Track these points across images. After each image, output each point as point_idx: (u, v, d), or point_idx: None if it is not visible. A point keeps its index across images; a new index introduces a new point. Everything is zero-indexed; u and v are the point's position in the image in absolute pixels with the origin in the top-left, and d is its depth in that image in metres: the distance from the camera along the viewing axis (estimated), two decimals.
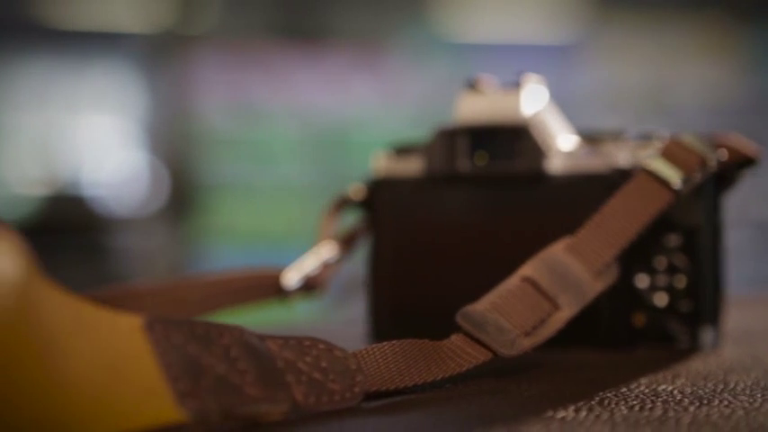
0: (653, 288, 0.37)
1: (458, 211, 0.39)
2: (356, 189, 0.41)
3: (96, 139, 2.18)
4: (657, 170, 0.35)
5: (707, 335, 0.37)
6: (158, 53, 2.23)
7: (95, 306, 0.23)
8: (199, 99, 2.27)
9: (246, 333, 0.25)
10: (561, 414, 0.27)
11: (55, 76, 2.14)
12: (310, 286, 0.41)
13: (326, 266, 0.41)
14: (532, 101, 0.39)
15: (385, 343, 0.29)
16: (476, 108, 0.38)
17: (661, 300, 0.37)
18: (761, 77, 2.19)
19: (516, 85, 0.38)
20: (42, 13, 2.14)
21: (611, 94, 2.30)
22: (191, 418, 0.23)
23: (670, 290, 0.37)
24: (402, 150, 0.41)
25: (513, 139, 0.38)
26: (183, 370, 0.23)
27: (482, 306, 0.31)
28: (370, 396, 0.28)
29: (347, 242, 0.42)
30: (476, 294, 0.37)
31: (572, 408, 0.28)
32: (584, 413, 0.27)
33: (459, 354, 0.30)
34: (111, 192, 2.11)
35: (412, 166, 0.40)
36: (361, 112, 2.32)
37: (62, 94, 2.15)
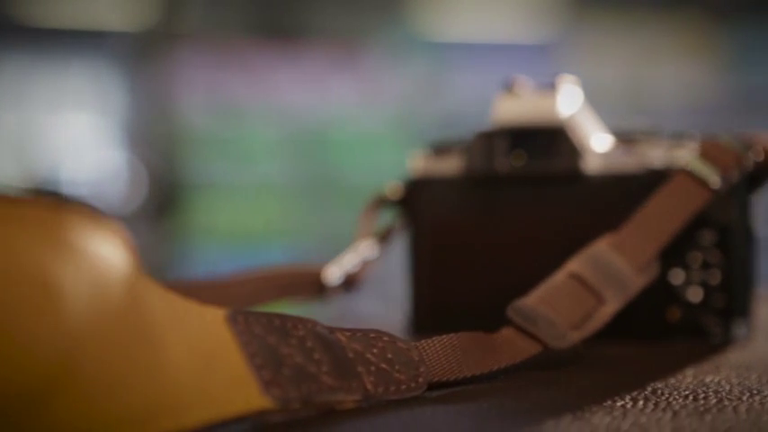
0: (687, 283, 0.38)
1: (496, 210, 0.39)
2: (393, 188, 0.42)
3: (76, 137, 2.17)
4: (696, 170, 0.36)
5: (740, 329, 0.38)
6: (138, 52, 2.22)
7: (184, 298, 0.23)
8: (179, 98, 2.27)
9: (318, 325, 0.26)
10: (620, 402, 0.28)
11: (34, 74, 2.13)
12: (350, 283, 0.42)
13: (365, 263, 0.42)
14: (568, 102, 0.39)
15: (444, 336, 0.30)
16: (513, 109, 0.39)
17: (696, 295, 0.38)
18: (738, 76, 2.22)
19: (552, 87, 0.39)
20: (21, 11, 2.13)
21: (589, 92, 2.31)
22: (275, 405, 0.24)
23: (704, 285, 0.38)
24: (439, 150, 0.41)
25: (551, 140, 0.38)
26: (265, 360, 0.24)
27: (532, 301, 0.32)
28: (431, 386, 0.29)
29: (384, 239, 0.43)
30: (513, 290, 0.38)
31: (628, 397, 0.29)
32: (641, 402, 0.28)
33: (511, 346, 0.31)
34: (90, 191, 2.10)
35: (449, 166, 0.40)
36: (340, 111, 2.32)
37: (42, 93, 2.14)
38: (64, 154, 2.16)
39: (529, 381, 0.31)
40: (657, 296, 0.38)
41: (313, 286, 0.42)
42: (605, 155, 0.39)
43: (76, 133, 2.17)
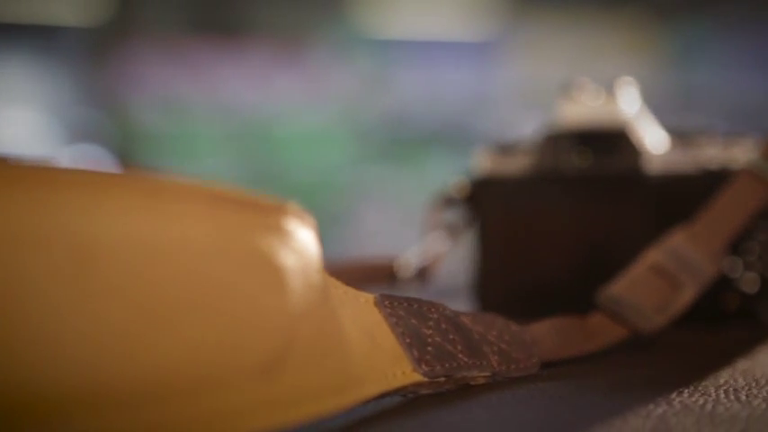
0: (744, 273, 0.41)
1: (562, 208, 0.41)
2: (460, 186, 0.44)
3: (19, 134, 2.14)
4: (760, 169, 0.38)
5: None
6: (85, 48, 2.20)
7: (341, 283, 0.25)
8: (123, 95, 2.25)
9: (446, 309, 0.28)
10: (720, 381, 0.30)
11: None
12: (423, 274, 0.43)
13: (435, 257, 0.44)
14: (629, 103, 0.41)
15: (546, 320, 0.32)
16: (578, 112, 0.41)
17: (752, 284, 0.41)
18: (680, 74, 2.27)
19: (613, 89, 0.41)
20: None
21: (531, 90, 2.35)
22: (425, 379, 0.26)
23: (761, 275, 0.41)
24: (504, 150, 0.43)
25: (614, 141, 0.40)
26: (412, 339, 0.26)
27: (619, 288, 0.34)
28: (541, 365, 0.31)
29: (452, 235, 0.44)
30: (577, 282, 0.40)
31: (722, 378, 0.30)
32: (740, 381, 0.30)
33: (603, 330, 0.33)
34: None
35: (515, 165, 0.42)
36: (285, 108, 2.33)
37: None
38: (8, 151, 2.13)
39: (621, 361, 0.33)
40: (716, 285, 0.40)
41: (386, 278, 0.43)
42: (664, 155, 0.41)
43: (20, 130, 2.14)
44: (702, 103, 2.22)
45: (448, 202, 0.43)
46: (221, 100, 2.31)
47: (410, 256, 0.44)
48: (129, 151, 2.25)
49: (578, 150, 0.41)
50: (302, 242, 0.22)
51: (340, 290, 0.25)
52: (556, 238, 0.41)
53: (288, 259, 0.21)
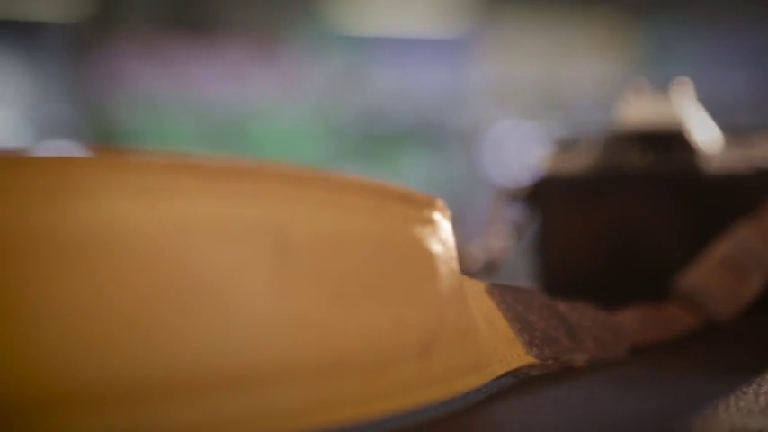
0: None
1: (623, 206, 0.43)
2: (521, 183, 0.45)
3: None
4: None
5: None
6: (60, 45, 2.19)
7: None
8: (99, 91, 2.25)
9: (544, 296, 0.30)
10: None
11: None
12: (490, 266, 0.45)
13: (499, 251, 0.45)
14: (688, 104, 0.43)
15: (628, 309, 0.34)
16: (640, 112, 0.43)
17: None
18: (651, 72, 2.30)
19: (672, 90, 0.43)
20: None
21: (504, 88, 2.37)
22: (537, 362, 0.27)
23: None
24: (565, 148, 0.44)
25: (672, 141, 0.42)
26: (521, 325, 0.28)
27: (692, 278, 0.36)
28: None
29: (514, 230, 0.46)
30: (638, 277, 0.41)
31: None
32: None
33: (678, 318, 0.35)
34: None
35: (576, 164, 0.43)
36: (259, 105, 2.33)
37: None
38: None
39: (699, 345, 0.35)
40: None
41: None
42: (720, 154, 0.43)
43: None
44: None
45: (510, 196, 0.45)
46: (196, 97, 2.31)
47: (474, 249, 0.45)
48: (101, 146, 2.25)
49: (638, 150, 0.42)
50: (446, 233, 0.24)
51: (463, 277, 0.26)
52: (616, 236, 0.43)
53: (437, 248, 0.23)
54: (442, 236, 0.23)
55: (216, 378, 0.19)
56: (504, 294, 0.28)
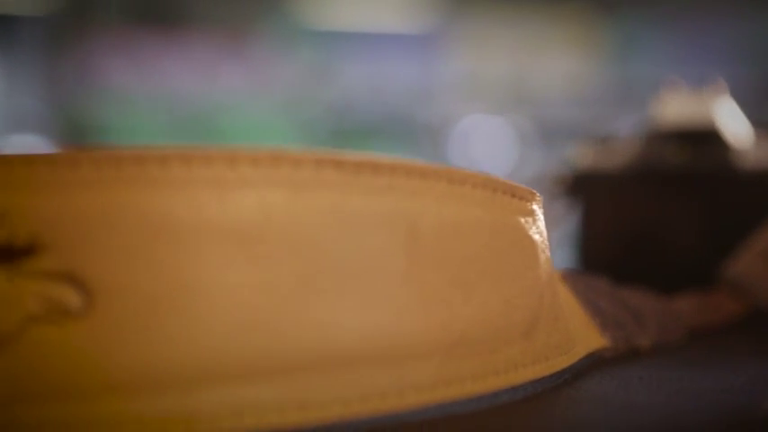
0: None
1: (661, 202, 0.44)
2: (561, 179, 0.47)
3: None
4: None
5: None
6: (29, 38, 2.18)
7: None
8: (67, 85, 2.24)
9: (610, 283, 0.32)
10: None
11: None
12: None
13: None
14: (723, 102, 0.45)
15: (680, 296, 0.36)
16: (677, 110, 0.44)
17: None
18: (620, 68, 2.33)
19: (708, 88, 0.45)
20: None
21: (473, 83, 2.40)
22: (610, 345, 0.29)
23: None
24: (605, 144, 0.46)
25: (709, 138, 0.44)
26: (593, 310, 0.29)
27: (738, 267, 0.38)
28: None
29: (553, 223, 0.48)
30: (677, 272, 0.43)
31: None
32: None
33: (726, 306, 0.37)
34: None
35: (614, 160, 0.45)
36: (229, 99, 2.34)
37: None
38: None
39: (747, 329, 0.37)
40: None
41: None
42: (755, 151, 0.45)
43: None
44: (643, 96, 2.29)
45: (549, 191, 0.46)
46: (166, 91, 2.31)
47: None
48: (73, 142, 2.24)
49: (675, 147, 0.44)
50: (542, 223, 0.26)
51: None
52: (655, 230, 0.44)
53: (537, 237, 0.25)
54: (540, 226, 0.25)
55: (360, 354, 0.21)
56: (575, 281, 0.30)
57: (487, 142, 2.37)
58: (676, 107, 0.45)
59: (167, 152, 0.20)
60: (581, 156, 0.46)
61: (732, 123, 0.45)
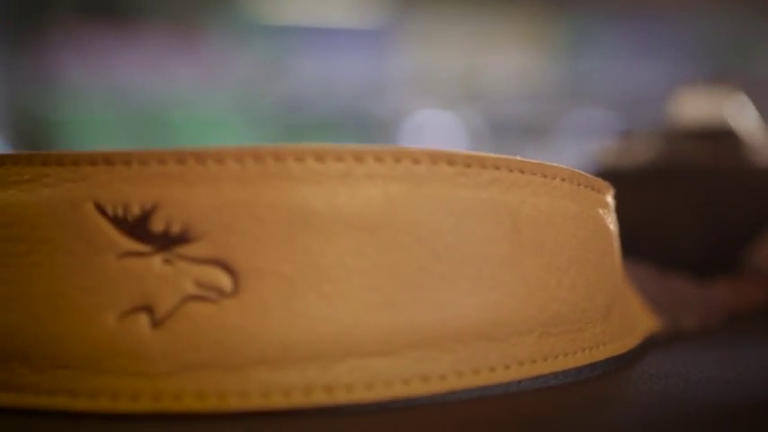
0: None
1: (680, 198, 0.46)
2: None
3: None
4: None
5: None
6: None
7: None
8: (19, 80, 2.23)
9: (655, 270, 0.34)
10: None
11: None
12: None
13: None
14: (739, 102, 0.48)
15: (710, 285, 0.38)
16: (694, 109, 0.47)
17: None
18: (571, 64, 2.38)
19: (723, 88, 0.47)
20: None
21: (425, 78, 2.42)
22: (661, 329, 0.32)
23: None
24: (625, 142, 0.48)
25: (727, 137, 0.47)
26: (645, 294, 0.32)
27: (762, 257, 0.41)
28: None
29: None
30: (695, 266, 0.46)
31: None
32: None
33: (752, 293, 0.40)
34: None
35: (635, 157, 0.47)
36: (181, 93, 2.34)
37: None
38: None
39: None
40: None
41: None
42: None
43: None
44: (594, 93, 2.33)
45: None
46: (117, 86, 2.31)
47: None
48: (23, 137, 2.23)
49: (694, 145, 0.47)
50: (615, 214, 0.28)
51: None
52: (675, 227, 0.47)
53: (612, 227, 0.27)
54: (614, 217, 0.28)
55: (472, 331, 0.23)
56: (627, 267, 0.32)
57: (439, 137, 2.40)
58: (694, 106, 0.47)
59: (303, 148, 0.22)
60: (603, 152, 0.48)
61: (749, 122, 0.48)
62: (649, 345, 0.30)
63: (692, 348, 0.30)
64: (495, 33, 2.40)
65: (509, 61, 2.38)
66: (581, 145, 2.23)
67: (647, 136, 0.48)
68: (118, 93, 2.31)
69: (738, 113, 0.48)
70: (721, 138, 0.47)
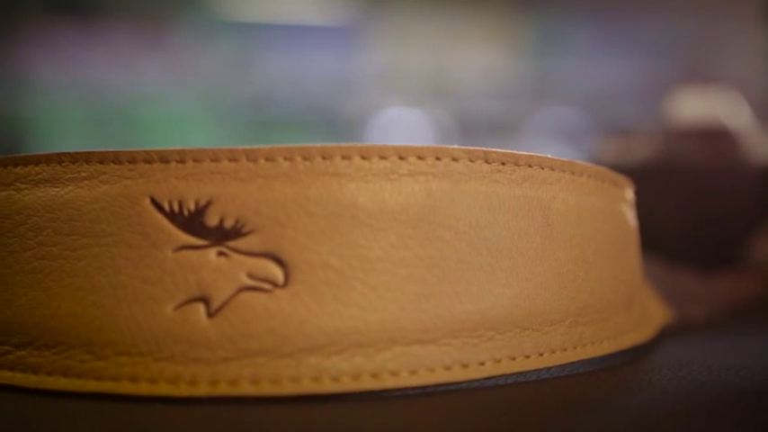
0: None
1: (678, 195, 0.48)
2: None
3: None
4: None
5: None
6: None
7: None
8: None
9: (665, 264, 0.36)
10: None
11: None
12: None
13: None
14: (735, 103, 0.49)
15: (718, 277, 0.40)
16: (691, 109, 0.48)
17: None
18: (539, 62, 2.39)
19: (719, 88, 0.49)
20: None
21: (392, 75, 2.43)
22: (671, 319, 0.33)
23: None
24: (625, 139, 0.49)
25: (724, 138, 0.48)
26: (657, 287, 0.33)
27: (761, 253, 0.43)
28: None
29: None
30: (695, 261, 0.47)
31: None
32: None
33: (750, 286, 0.42)
34: None
35: (634, 155, 0.49)
36: (148, 90, 2.34)
37: None
38: None
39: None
40: None
41: None
42: (763, 147, 0.49)
43: None
44: (562, 91, 2.35)
45: None
46: (84, 83, 2.30)
47: None
48: None
49: (691, 145, 0.48)
50: (634, 209, 0.29)
51: None
52: (673, 223, 0.48)
53: (633, 222, 0.29)
54: (633, 211, 0.29)
55: (509, 320, 0.24)
56: (646, 262, 0.34)
57: (407, 134, 2.41)
58: (692, 106, 0.48)
59: (350, 147, 0.23)
60: (603, 150, 0.50)
61: (743, 121, 0.49)
62: (663, 335, 0.31)
63: (703, 338, 0.31)
64: (464, 31, 2.41)
65: (477, 59, 2.40)
66: (549, 143, 2.25)
67: (646, 135, 0.50)
68: (86, 90, 2.30)
69: (733, 113, 0.49)
70: (717, 137, 0.48)
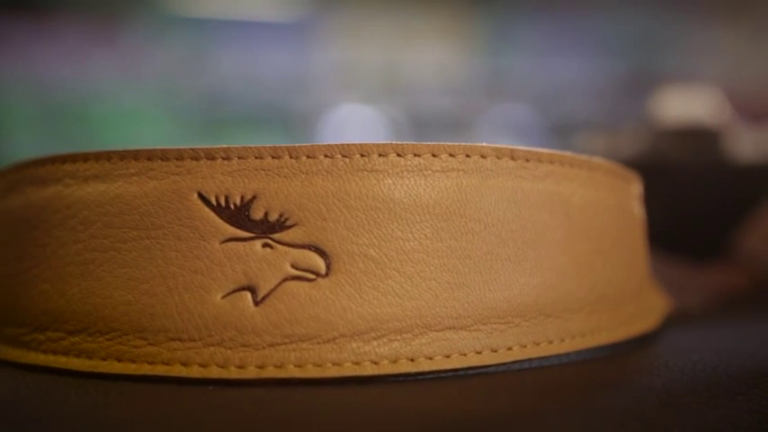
0: None
1: (668, 193, 0.49)
2: None
3: None
4: None
5: None
6: None
7: None
8: None
9: (664, 257, 0.38)
10: None
11: None
12: None
13: None
14: (720, 103, 0.51)
15: (707, 269, 0.42)
16: (676, 108, 0.50)
17: None
18: (492, 59, 2.42)
19: (706, 90, 0.51)
20: None
21: (346, 72, 2.44)
22: (672, 309, 0.35)
23: None
24: (613, 138, 0.51)
25: (707, 136, 0.50)
26: (659, 279, 0.35)
27: (745, 247, 0.45)
28: None
29: None
30: (690, 256, 0.49)
31: None
32: None
33: (734, 279, 0.43)
34: None
35: (621, 153, 0.50)
36: (100, 86, 2.32)
37: None
38: None
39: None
40: None
41: None
42: (749, 145, 0.51)
43: None
44: (513, 89, 2.38)
45: None
46: (34, 78, 2.28)
47: None
48: None
49: (677, 143, 0.50)
50: (642, 203, 0.31)
51: None
52: (658, 218, 0.49)
53: (642, 215, 0.30)
54: (641, 205, 0.31)
55: (534, 308, 0.26)
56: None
57: (361, 131, 2.43)
58: (676, 105, 0.50)
59: (386, 145, 0.24)
60: (590, 147, 0.51)
61: (727, 120, 0.51)
62: (667, 323, 0.33)
63: (702, 326, 0.33)
64: (416, 28, 2.43)
65: (430, 56, 2.42)
66: (501, 140, 2.28)
67: (633, 132, 0.51)
68: (37, 86, 2.28)
69: (715, 111, 0.51)
70: (702, 136, 0.50)
